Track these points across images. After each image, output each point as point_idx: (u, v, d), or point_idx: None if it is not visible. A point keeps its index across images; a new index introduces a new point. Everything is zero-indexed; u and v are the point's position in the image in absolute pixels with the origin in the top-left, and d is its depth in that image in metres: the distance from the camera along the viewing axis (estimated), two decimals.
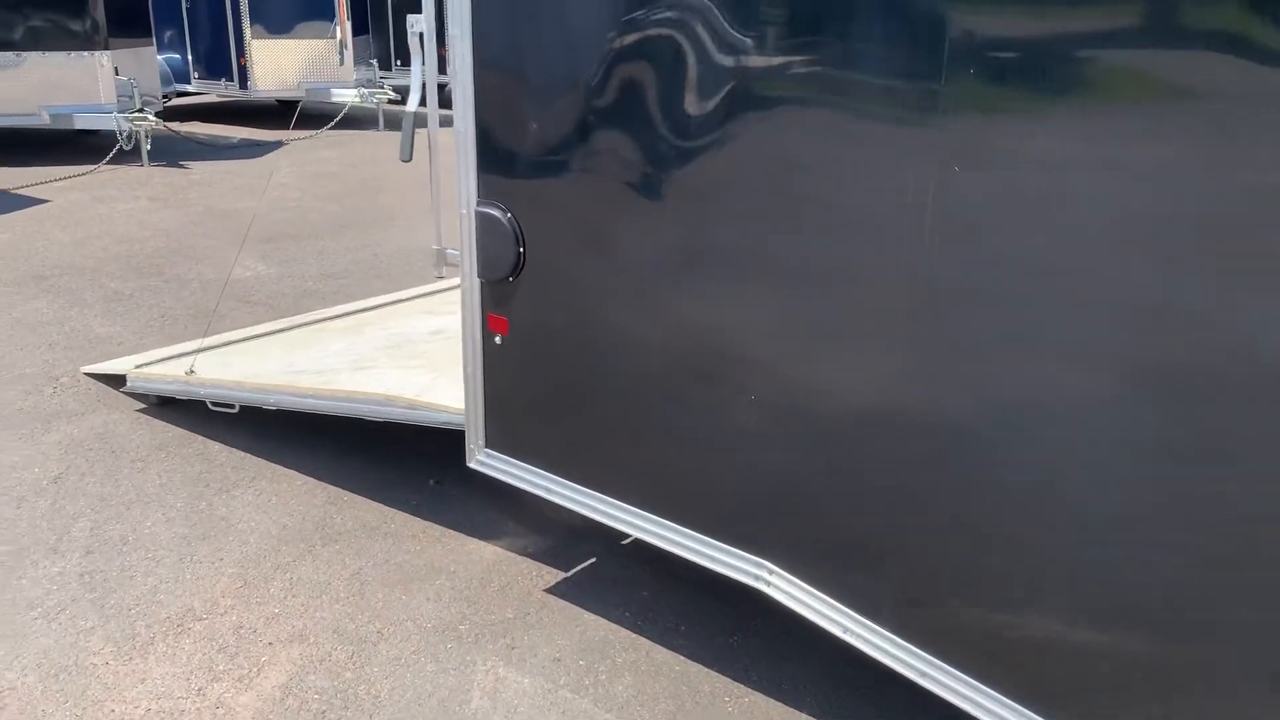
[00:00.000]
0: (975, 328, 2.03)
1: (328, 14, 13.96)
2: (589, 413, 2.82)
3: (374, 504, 3.89)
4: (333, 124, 13.37)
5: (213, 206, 9.13)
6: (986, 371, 2.03)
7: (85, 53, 10.92)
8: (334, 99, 13.94)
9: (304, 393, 3.89)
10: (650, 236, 2.53)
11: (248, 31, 13.47)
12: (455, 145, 2.89)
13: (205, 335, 5.49)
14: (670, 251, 2.50)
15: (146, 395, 4.70)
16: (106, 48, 10.96)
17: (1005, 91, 1.90)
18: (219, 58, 13.86)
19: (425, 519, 3.79)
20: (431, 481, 4.06)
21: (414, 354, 4.25)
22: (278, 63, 13.78)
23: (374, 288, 6.63)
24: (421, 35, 2.90)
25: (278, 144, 12.68)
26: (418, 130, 3.21)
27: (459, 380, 3.52)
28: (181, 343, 5.44)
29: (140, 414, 4.67)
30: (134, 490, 3.97)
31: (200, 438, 4.42)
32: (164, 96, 12.79)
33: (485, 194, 2.87)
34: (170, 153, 11.59)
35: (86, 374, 5.11)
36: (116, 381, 4.88)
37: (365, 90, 13.81)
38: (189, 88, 14.55)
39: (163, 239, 7.94)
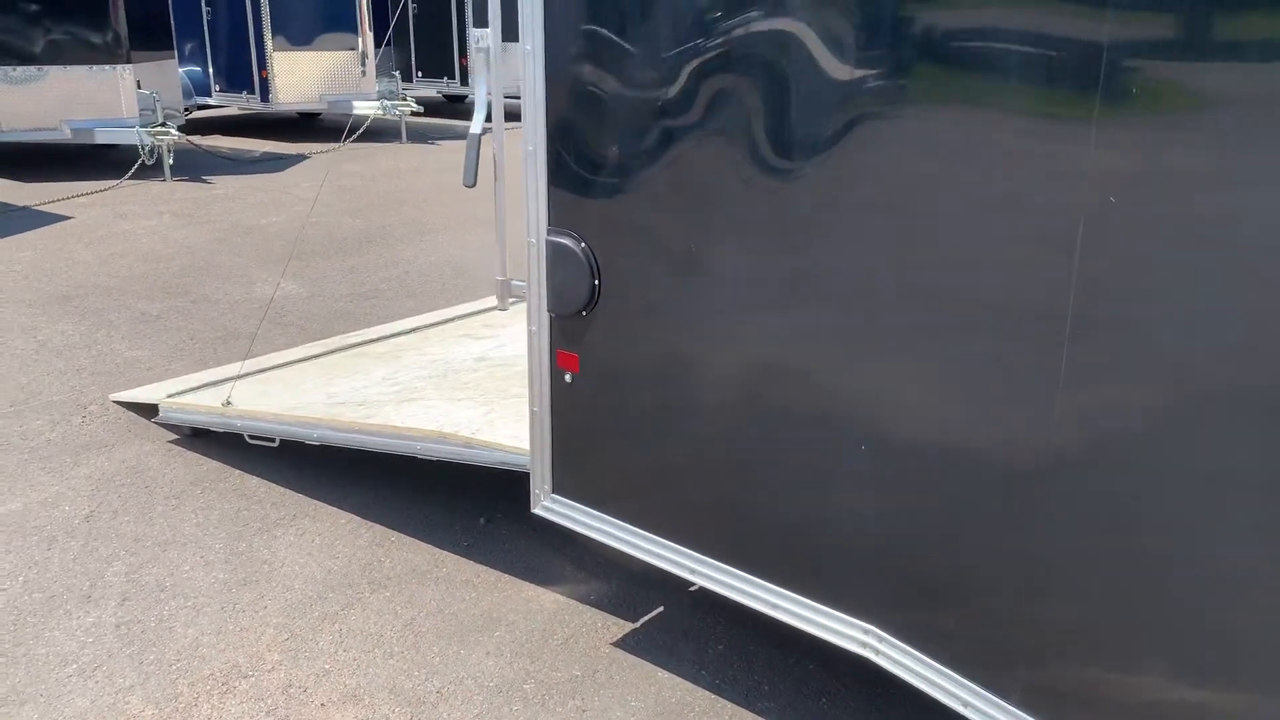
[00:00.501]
0: (1137, 373, 1.80)
1: (350, 25, 13.82)
2: (673, 459, 2.59)
3: (422, 545, 3.67)
4: (354, 136, 13.20)
5: (237, 222, 8.96)
6: (1151, 423, 1.80)
7: (107, 66, 10.78)
8: (356, 111, 13.77)
9: (348, 428, 3.68)
10: (752, 267, 2.31)
11: (269, 43, 13.33)
12: (523, 169, 2.68)
13: (240, 360, 5.29)
14: (774, 284, 2.28)
15: (179, 426, 4.49)
16: (128, 61, 10.83)
17: (1168, 113, 1.67)
18: (240, 70, 13.72)
19: (478, 562, 3.57)
20: (482, 520, 3.84)
21: (461, 384, 4.03)
22: (299, 75, 13.63)
23: (407, 308, 6.43)
24: (488, 50, 2.69)
25: (300, 157, 12.52)
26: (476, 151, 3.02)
27: (514, 415, 3.31)
28: (213, 368, 5.25)
29: (173, 445, 4.47)
30: (170, 530, 3.76)
31: (237, 472, 4.21)
32: (185, 110, 12.65)
33: (557, 222, 2.65)
34: (192, 167, 11.44)
35: (116, 402, 4.91)
36: (148, 410, 4.68)
37: (388, 102, 13.64)
38: (209, 100, 14.42)
39: (188, 256, 7.76)
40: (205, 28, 13.90)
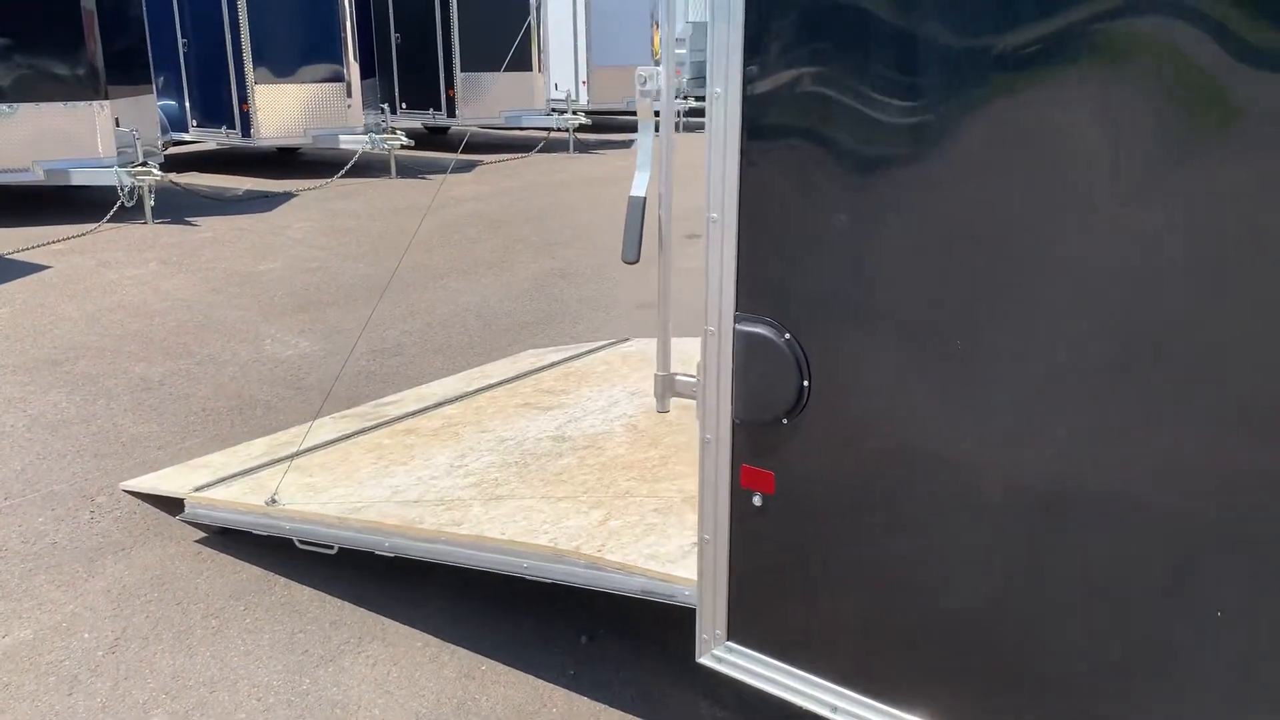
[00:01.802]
0: None
1: (334, 56, 13.22)
2: (911, 608, 2.03)
3: (520, 675, 3.08)
4: (343, 172, 12.58)
5: (232, 270, 8.31)
6: None
7: (82, 102, 10.11)
8: (343, 146, 13.16)
9: (431, 537, 3.09)
10: (1052, 360, 1.76)
11: (250, 75, 12.70)
12: (706, 241, 2.13)
13: (264, 436, 4.67)
14: (1090, 382, 1.73)
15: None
16: (106, 96, 10.16)
17: None
18: (219, 104, 13.06)
19: (592, 697, 2.98)
20: (583, 638, 3.26)
21: (551, 475, 3.45)
22: (282, 108, 13.00)
23: (436, 366, 5.83)
24: (657, 93, 2.14)
25: (287, 195, 11.88)
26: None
27: (638, 521, 2.77)
28: (234, 446, 4.63)
29: (201, 547, 3.84)
30: (215, 662, 3.14)
31: (282, 580, 3.60)
32: (162, 146, 11.98)
33: (750, 307, 2.10)
34: (173, 208, 10.76)
35: (127, 492, 4.27)
36: (168, 502, 4.05)
37: (376, 136, 13.04)
38: (185, 136, 13.73)
39: (184, 311, 7.11)
40: (181, 59, 13.23)
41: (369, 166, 13.35)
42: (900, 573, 2.04)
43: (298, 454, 4.14)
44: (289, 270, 8.29)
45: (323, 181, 12.44)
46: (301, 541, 3.51)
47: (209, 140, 13.87)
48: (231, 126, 13.06)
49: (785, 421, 2.11)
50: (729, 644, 2.35)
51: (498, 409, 4.49)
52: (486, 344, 6.32)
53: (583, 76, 18.17)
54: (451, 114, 15.82)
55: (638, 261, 2.22)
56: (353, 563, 3.58)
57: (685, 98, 19.27)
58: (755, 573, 2.27)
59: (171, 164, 12.99)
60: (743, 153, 2.03)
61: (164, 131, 12.39)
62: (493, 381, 5.02)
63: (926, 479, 1.97)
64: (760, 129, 2.01)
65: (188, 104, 13.44)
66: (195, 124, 13.53)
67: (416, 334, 6.58)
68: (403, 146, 13.32)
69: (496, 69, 15.74)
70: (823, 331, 2.03)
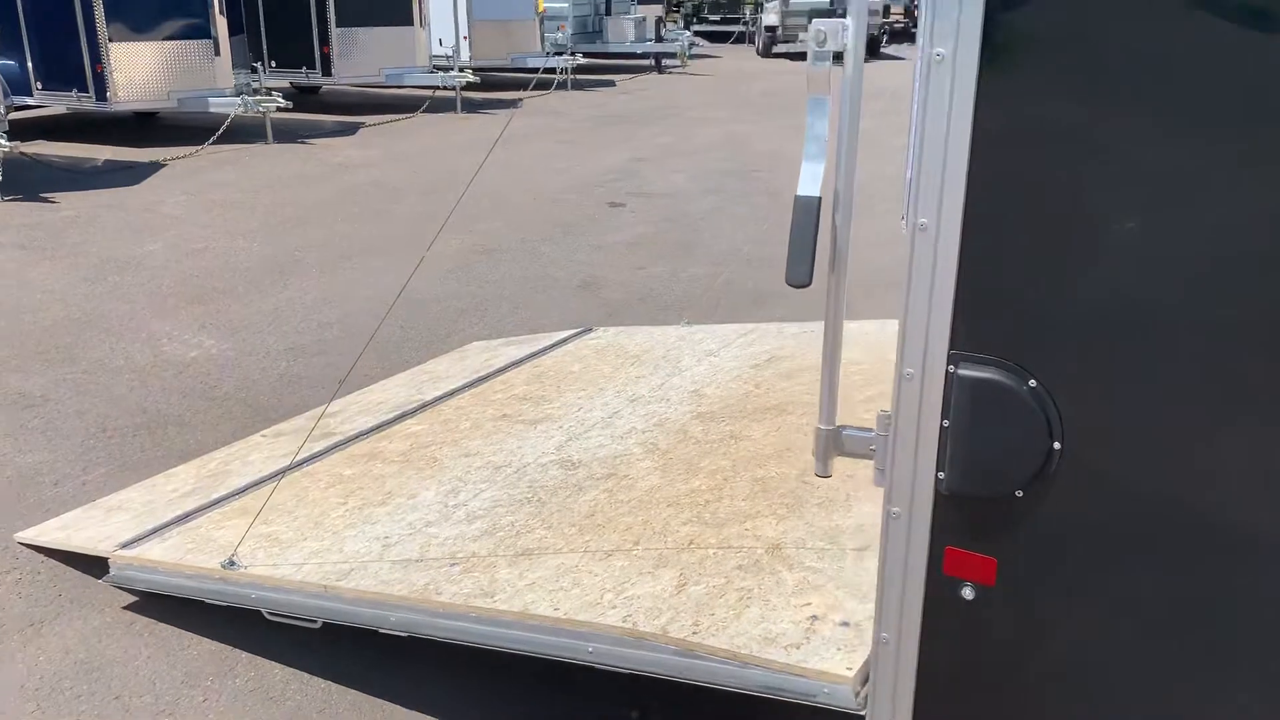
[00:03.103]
0: None
1: (199, 11, 12.01)
2: None
3: None
4: (215, 138, 11.47)
5: (107, 254, 7.33)
6: None
7: None
8: (212, 109, 12.00)
9: (455, 612, 2.48)
10: None
11: (104, 32, 11.41)
12: (909, 252, 1.58)
13: (191, 460, 3.93)
14: None
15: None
16: None
17: None
18: (68, 64, 11.71)
19: None
20: (634, 715, 2.71)
21: (578, 517, 2.87)
22: (141, 68, 11.75)
23: (370, 365, 5.11)
24: (842, 55, 1.56)
25: (154, 165, 10.74)
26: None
27: (725, 584, 2.26)
28: (150, 479, 3.89)
29: (133, 615, 3.14)
30: None
31: (244, 656, 2.94)
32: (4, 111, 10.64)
33: (978, 343, 1.57)
34: (25, 184, 9.55)
35: (24, 545, 3.50)
36: (81, 557, 3.31)
37: (249, 98, 11.93)
38: (29, 101, 12.31)
39: (58, 306, 6.17)
40: (21, 15, 11.80)
41: (242, 131, 12.23)
42: (1161, 688, 1.56)
43: (237, 495, 3.44)
44: (173, 253, 7.36)
45: (193, 149, 11.31)
46: (270, 612, 2.85)
47: (56, 105, 12.49)
48: (83, 89, 11.74)
49: (1020, 495, 1.59)
50: None
51: (472, 423, 3.86)
52: (420, 336, 5.63)
53: (464, 32, 17.19)
54: (327, 73, 14.71)
55: (809, 284, 1.65)
56: (330, 628, 2.92)
57: (573, 54, 18.50)
58: (955, 679, 1.75)
59: (14, 131, 11.62)
60: (978, 135, 1.48)
61: (5, 96, 11.03)
62: (453, 386, 4.37)
63: (1223, 575, 1.48)
64: (1008, 102, 1.46)
65: (30, 64, 12.03)
66: (40, 87, 12.13)
67: (337, 326, 5.84)
68: (280, 109, 12.24)
69: (375, 24, 14.70)
70: (1085, 379, 1.51)
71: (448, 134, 13.12)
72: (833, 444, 1.77)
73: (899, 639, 1.76)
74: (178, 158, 11.08)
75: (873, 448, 1.73)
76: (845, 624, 2.17)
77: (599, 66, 21.41)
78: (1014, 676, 1.70)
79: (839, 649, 2.09)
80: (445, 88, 15.14)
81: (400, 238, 7.75)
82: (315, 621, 2.77)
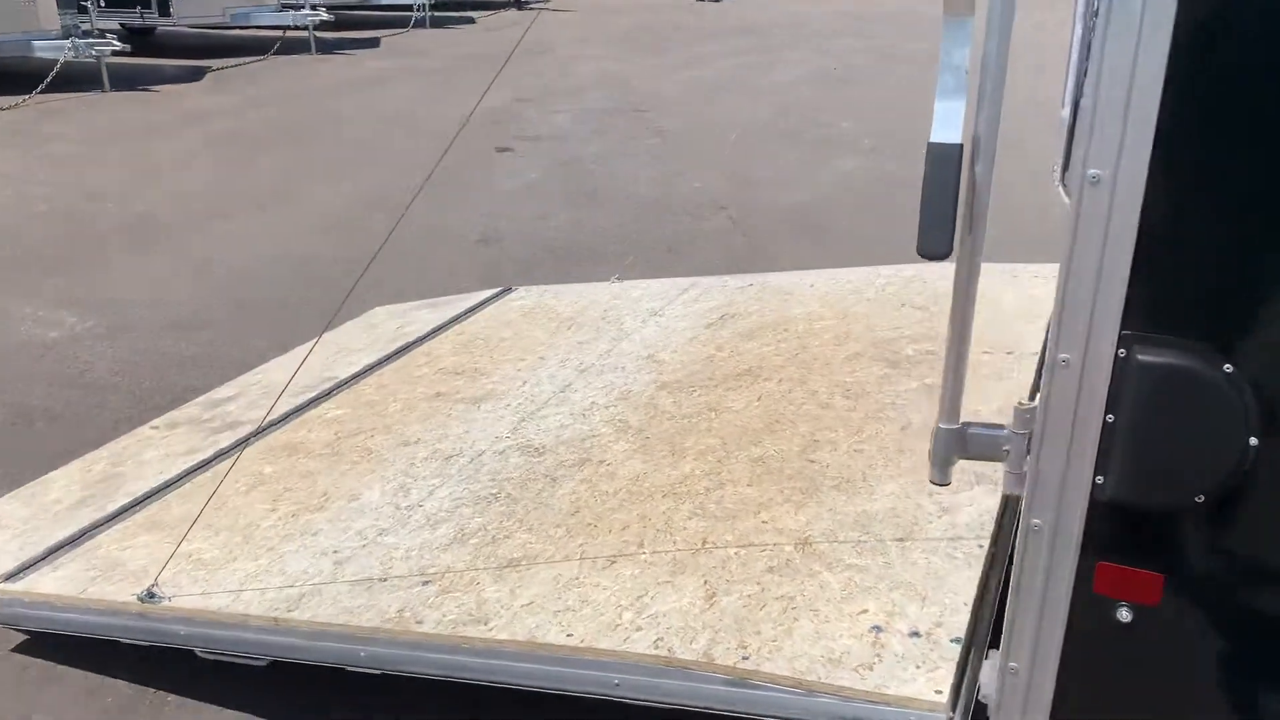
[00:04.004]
0: None
1: None
2: None
3: None
4: (43, 87, 10.38)
5: None
6: None
7: None
8: (38, 54, 10.86)
9: (445, 643, 2.11)
10: None
11: None
12: (1074, 218, 1.27)
13: (74, 461, 3.39)
14: None
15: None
16: None
17: None
18: None
19: None
20: None
21: (560, 515, 2.52)
22: None
23: (260, 339, 4.59)
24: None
25: None
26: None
27: (760, 592, 1.99)
28: (25, 486, 3.35)
29: (26, 659, 2.66)
30: None
31: (171, 700, 2.50)
32: None
33: (1159, 323, 1.28)
34: None
35: None
36: None
37: (80, 41, 10.83)
38: None
39: None
40: None
41: (73, 79, 11.12)
42: None
43: (138, 506, 2.96)
44: (12, 217, 6.56)
45: (17, 99, 10.21)
46: (204, 651, 2.41)
47: None
48: None
49: (1201, 500, 1.32)
50: None
51: (403, 404, 3.44)
52: (312, 303, 5.11)
53: None
54: (165, 12, 13.52)
55: (949, 254, 1.33)
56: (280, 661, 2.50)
57: None
58: (1099, 711, 1.49)
59: None
60: (1175, 67, 1.17)
61: None
62: (369, 361, 3.92)
63: None
64: (1221, 21, 1.16)
65: None
66: None
67: (215, 294, 5.25)
68: (116, 53, 11.16)
69: None
70: None
71: (305, 77, 12.26)
72: (956, 446, 1.47)
73: (1032, 668, 1.49)
74: (1, 109, 9.98)
75: (1006, 448, 1.43)
76: (915, 634, 1.90)
77: (459, 2, 20.49)
78: (1172, 708, 1.45)
79: (917, 666, 1.82)
80: (297, 27, 14.16)
81: (269, 192, 7.11)
82: (261, 660, 2.35)
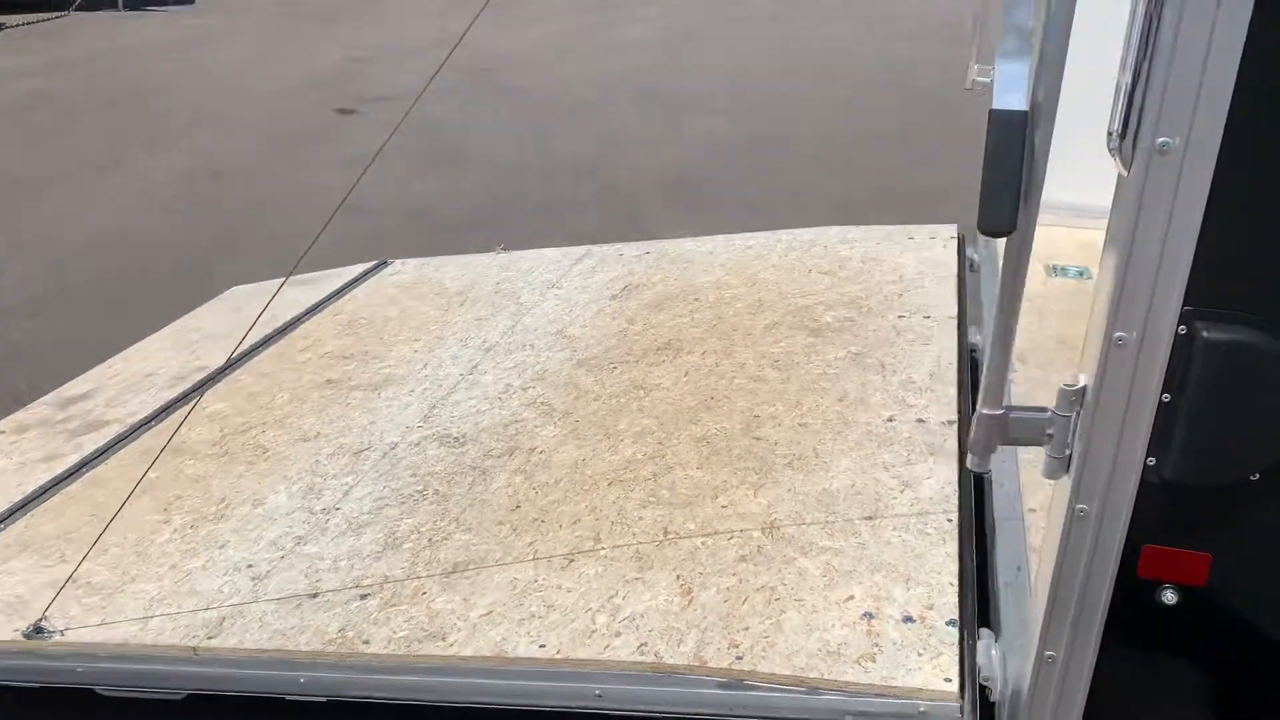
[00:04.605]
0: None
1: None
2: None
3: None
4: None
5: None
6: None
7: None
8: None
9: (400, 664, 1.93)
10: None
11: None
12: (1138, 189, 1.21)
13: None
14: None
15: None
16: None
17: None
18: None
19: None
20: None
21: (500, 512, 2.36)
22: None
23: (108, 326, 4.19)
24: None
25: None
26: None
27: (738, 584, 1.94)
28: None
29: None
30: None
31: None
32: None
33: (1227, 300, 1.23)
34: None
35: None
36: None
37: None
38: None
39: None
40: None
41: None
42: None
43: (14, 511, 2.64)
44: None
45: None
46: (104, 689, 2.15)
47: None
48: None
49: (1256, 478, 1.29)
50: None
51: (291, 394, 3.17)
52: (161, 287, 4.71)
53: None
54: None
55: (1014, 229, 1.23)
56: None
57: None
58: (1137, 694, 1.46)
59: None
60: (1256, 30, 1.11)
61: None
62: (242, 348, 3.60)
63: None
64: None
65: None
66: None
67: (46, 278, 4.77)
68: None
69: None
70: None
71: (115, 36, 11.33)
72: (998, 432, 1.39)
73: (1070, 656, 1.44)
74: None
75: (1050, 432, 1.36)
76: (909, 619, 1.84)
77: None
78: (1215, 691, 1.42)
79: (919, 654, 1.76)
80: None
81: (92, 163, 6.52)
82: (179, 693, 2.10)
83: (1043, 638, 1.45)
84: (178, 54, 9.77)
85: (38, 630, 2.15)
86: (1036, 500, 2.14)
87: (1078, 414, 1.34)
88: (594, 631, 1.90)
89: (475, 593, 2.07)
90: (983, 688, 1.74)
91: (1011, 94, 1.20)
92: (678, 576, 2.02)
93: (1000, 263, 3.41)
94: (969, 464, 1.43)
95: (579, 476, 2.44)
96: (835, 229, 3.86)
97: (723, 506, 2.23)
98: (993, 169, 1.20)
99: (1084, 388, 1.33)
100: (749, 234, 3.97)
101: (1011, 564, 1.99)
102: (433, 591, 2.10)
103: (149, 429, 3.11)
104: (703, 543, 2.11)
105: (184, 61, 9.49)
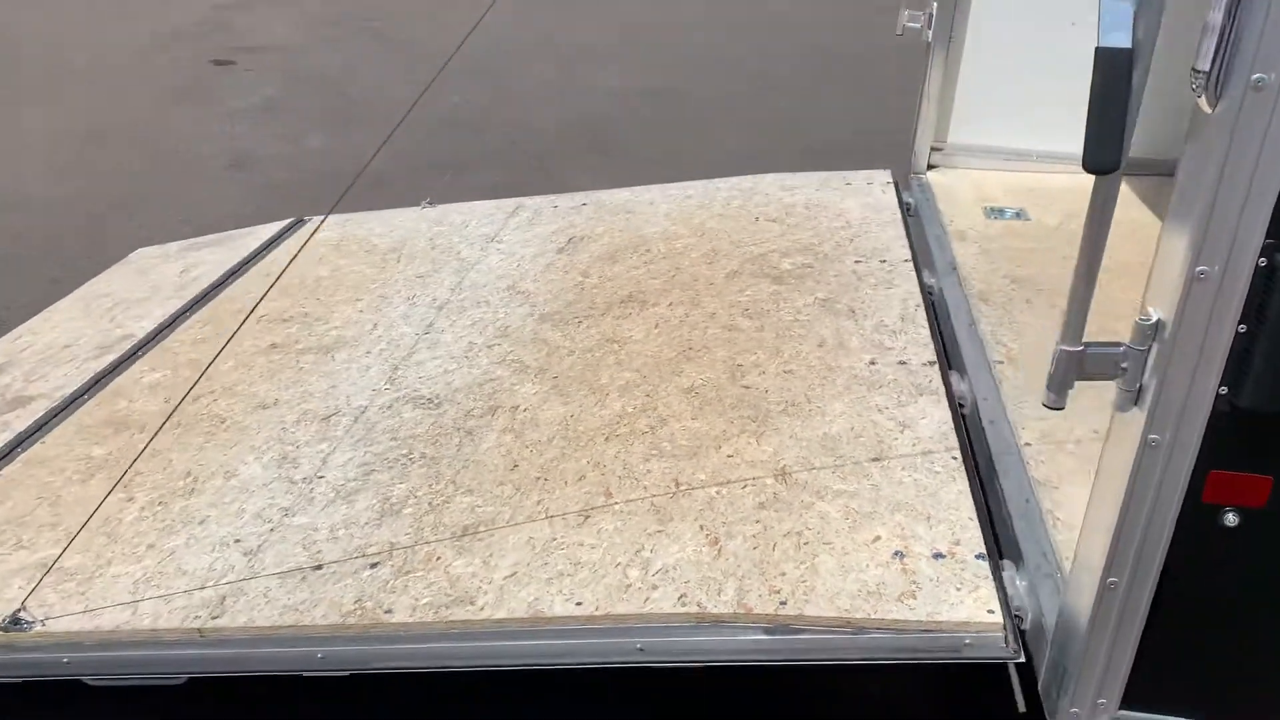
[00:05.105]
0: None
1: None
2: None
3: None
4: None
5: None
6: None
7: None
8: None
9: (428, 632, 1.88)
10: None
11: None
12: (1229, 127, 1.24)
13: None
14: None
15: None
16: None
17: None
18: None
19: None
20: None
21: (499, 473, 2.31)
22: None
23: (6, 297, 3.92)
24: None
25: None
26: None
27: (763, 532, 1.97)
28: None
29: None
30: None
31: None
32: None
33: None
34: None
35: None
36: None
37: None
38: None
39: None
40: None
41: None
42: None
43: None
44: None
45: None
46: (93, 679, 2.03)
47: None
48: None
49: None
50: (1122, 713, 1.61)
51: (235, 361, 3.03)
52: (56, 249, 4.41)
53: None
54: None
55: (1121, 167, 1.25)
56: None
57: None
58: (1195, 617, 1.53)
59: None
60: None
61: None
62: (164, 314, 3.43)
63: None
64: None
65: None
66: None
67: None
68: None
69: None
70: None
71: None
72: (1075, 367, 1.42)
73: (1132, 580, 1.50)
74: None
75: (1124, 365, 1.40)
76: (939, 556, 1.88)
77: None
78: (1271, 606, 1.50)
79: (957, 588, 1.80)
80: None
81: None
82: (179, 677, 2.00)
83: (1107, 565, 1.50)
84: (29, 2, 9.09)
85: (14, 622, 2.01)
86: (1029, 435, 2.21)
87: (1151, 347, 1.38)
88: (629, 586, 1.88)
89: (493, 554, 2.02)
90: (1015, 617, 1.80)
91: (1117, 32, 1.21)
92: (701, 527, 2.01)
93: (938, 205, 3.45)
94: (1045, 400, 1.46)
95: (571, 433, 2.40)
96: (771, 176, 3.87)
97: (728, 456, 2.23)
98: (1099, 107, 1.21)
99: (1158, 322, 1.36)
100: (686, 183, 3.95)
101: (1019, 496, 2.05)
102: (447, 556, 2.04)
103: (82, 403, 2.92)
104: (717, 492, 2.11)
105: (39, 8, 8.84)
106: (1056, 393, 1.44)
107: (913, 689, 2.44)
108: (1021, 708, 2.26)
